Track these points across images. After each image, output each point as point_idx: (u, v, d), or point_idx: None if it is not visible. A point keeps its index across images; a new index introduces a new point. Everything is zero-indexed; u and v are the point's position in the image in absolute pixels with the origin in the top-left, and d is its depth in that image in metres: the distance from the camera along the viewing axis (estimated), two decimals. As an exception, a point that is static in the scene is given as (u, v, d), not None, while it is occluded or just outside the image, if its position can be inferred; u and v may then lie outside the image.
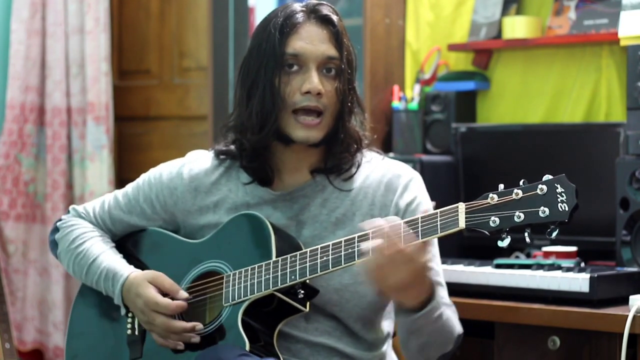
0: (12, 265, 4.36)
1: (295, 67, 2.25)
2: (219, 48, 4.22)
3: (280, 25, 2.25)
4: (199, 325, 2.24)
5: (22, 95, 4.35)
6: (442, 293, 2.28)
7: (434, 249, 2.31)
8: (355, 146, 2.32)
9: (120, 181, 4.41)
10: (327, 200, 2.31)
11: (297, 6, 2.28)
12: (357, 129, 2.32)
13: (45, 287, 4.37)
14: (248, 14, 4.40)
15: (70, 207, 2.50)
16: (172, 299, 2.27)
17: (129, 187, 2.45)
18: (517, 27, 3.33)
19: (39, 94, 4.39)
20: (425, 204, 2.29)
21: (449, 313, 2.24)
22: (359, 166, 2.32)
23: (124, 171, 4.52)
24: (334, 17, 2.28)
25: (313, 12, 2.27)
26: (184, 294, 2.28)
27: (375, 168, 2.33)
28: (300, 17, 2.26)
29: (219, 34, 4.23)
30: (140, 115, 4.55)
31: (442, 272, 2.32)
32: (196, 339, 2.24)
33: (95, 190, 4.28)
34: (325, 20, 2.27)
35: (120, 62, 4.60)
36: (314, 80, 2.23)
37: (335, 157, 2.30)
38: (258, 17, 5.19)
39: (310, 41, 2.24)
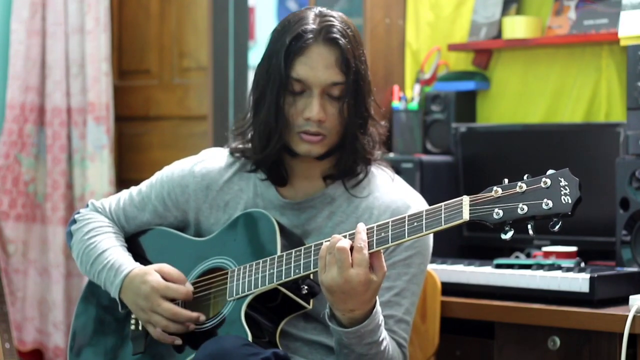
0: (12, 265, 4.35)
1: (299, 90, 2.24)
2: (219, 48, 4.23)
3: (289, 44, 2.23)
4: (202, 317, 2.26)
5: (22, 95, 4.35)
6: (398, 328, 2.29)
7: (411, 289, 2.31)
8: (364, 160, 2.33)
9: (120, 181, 4.41)
10: (334, 213, 2.33)
11: (311, 20, 2.25)
12: (366, 143, 2.30)
13: (45, 287, 4.37)
14: (248, 14, 4.40)
15: (89, 202, 2.54)
16: None
17: (143, 185, 2.48)
18: (517, 27, 3.33)
19: (39, 94, 4.39)
20: (424, 238, 2.29)
21: (395, 352, 2.24)
22: (367, 174, 2.34)
23: (124, 171, 4.52)
24: (343, 40, 2.24)
25: (323, 32, 2.24)
26: (190, 285, 2.31)
27: (385, 191, 2.34)
28: (309, 37, 2.23)
29: (219, 34, 4.23)
30: (140, 115, 4.55)
31: (413, 313, 2.33)
32: (192, 327, 2.26)
33: (95, 190, 4.28)
34: (333, 43, 2.24)
35: (120, 62, 4.59)
36: (314, 109, 2.23)
37: (347, 164, 2.31)
38: (258, 17, 5.21)
39: (315, 67, 2.23)
